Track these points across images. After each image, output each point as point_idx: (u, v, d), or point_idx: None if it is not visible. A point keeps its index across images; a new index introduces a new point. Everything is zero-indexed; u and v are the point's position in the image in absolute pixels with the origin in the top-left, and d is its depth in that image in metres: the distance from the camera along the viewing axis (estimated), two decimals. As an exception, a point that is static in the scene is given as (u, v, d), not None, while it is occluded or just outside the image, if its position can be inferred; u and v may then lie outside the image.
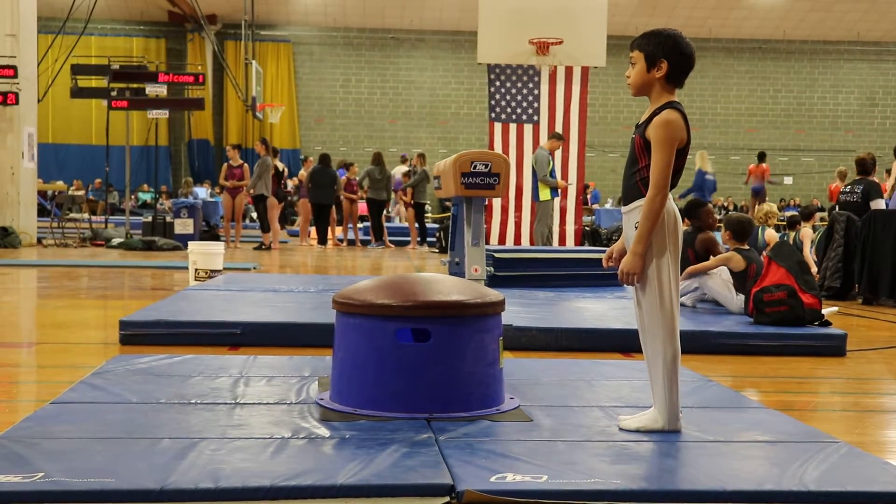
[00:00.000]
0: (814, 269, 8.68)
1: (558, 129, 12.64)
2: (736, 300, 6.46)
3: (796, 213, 12.20)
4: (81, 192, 20.19)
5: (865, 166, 9.02)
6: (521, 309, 6.19)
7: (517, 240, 12.82)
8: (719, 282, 6.58)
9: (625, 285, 3.18)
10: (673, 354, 3.13)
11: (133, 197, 24.43)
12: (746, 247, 6.75)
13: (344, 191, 16.62)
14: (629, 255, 3.12)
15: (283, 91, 30.92)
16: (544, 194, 11.97)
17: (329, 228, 16.61)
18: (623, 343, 5.27)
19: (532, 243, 12.68)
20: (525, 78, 12.63)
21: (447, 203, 17.81)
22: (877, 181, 9.33)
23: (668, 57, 3.12)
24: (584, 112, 12.88)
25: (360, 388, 3.38)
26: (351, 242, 16.98)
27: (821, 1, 29.79)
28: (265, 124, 27.81)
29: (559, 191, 12.30)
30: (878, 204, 8.68)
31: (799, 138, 32.18)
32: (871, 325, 7.12)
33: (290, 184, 19.42)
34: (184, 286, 8.13)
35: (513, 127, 12.69)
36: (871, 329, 6.87)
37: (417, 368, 3.32)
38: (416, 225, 16.57)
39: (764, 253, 6.49)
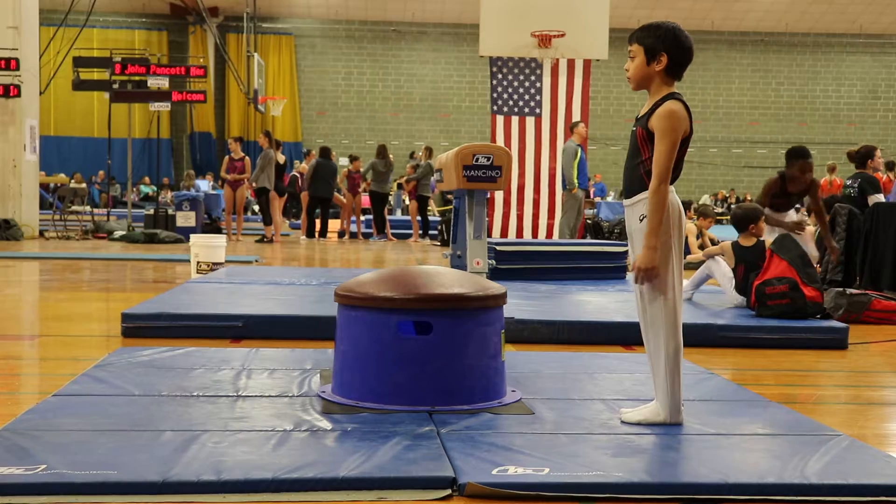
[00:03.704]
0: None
1: (560, 122, 12.63)
2: (731, 293, 6.43)
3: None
4: (84, 185, 20.18)
5: (856, 160, 8.98)
6: (523, 302, 6.19)
7: (519, 233, 12.81)
8: (725, 268, 6.57)
9: (642, 284, 3.12)
10: (675, 347, 3.13)
11: (135, 189, 24.43)
12: (752, 241, 6.57)
13: (347, 184, 16.63)
14: (644, 251, 3.08)
15: (285, 84, 30.91)
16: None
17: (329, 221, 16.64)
18: (625, 336, 5.27)
19: (542, 235, 12.69)
20: (527, 71, 12.60)
21: (449, 196, 17.81)
22: (877, 175, 9.28)
23: (669, 50, 3.11)
24: (587, 105, 12.85)
25: (362, 381, 3.38)
26: (353, 235, 16.98)
27: (824, -6, 29.78)
28: (267, 117, 27.80)
29: (587, 183, 12.50)
30: (876, 199, 8.64)
31: (801, 131, 32.13)
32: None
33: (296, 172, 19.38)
34: (186, 279, 8.13)
35: (515, 120, 12.66)
36: (873, 322, 6.85)
37: (419, 361, 3.33)
38: (419, 218, 16.56)
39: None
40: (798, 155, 7.34)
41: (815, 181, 7.43)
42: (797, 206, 7.92)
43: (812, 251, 7.36)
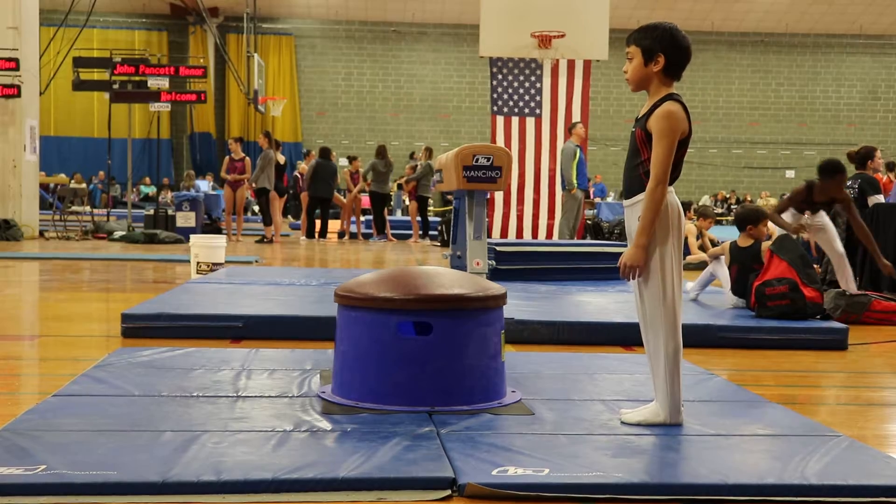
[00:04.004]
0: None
1: (560, 122, 12.64)
2: (728, 293, 6.43)
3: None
4: (83, 185, 20.20)
5: (856, 161, 8.97)
6: (523, 302, 6.19)
7: (519, 233, 12.82)
8: (727, 269, 6.57)
9: (626, 280, 3.18)
10: (675, 348, 3.13)
11: (135, 190, 24.44)
12: (749, 242, 6.55)
13: (349, 183, 16.65)
14: (631, 248, 3.11)
15: (286, 84, 30.91)
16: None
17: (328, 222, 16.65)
18: (624, 336, 5.27)
19: (547, 236, 12.71)
20: (527, 71, 12.61)
21: (449, 196, 17.78)
22: (877, 176, 9.27)
23: (666, 51, 3.12)
24: (587, 106, 12.85)
25: (362, 382, 3.38)
26: (353, 236, 16.99)
27: (824, -6, 29.79)
28: (267, 117, 27.80)
29: (587, 184, 12.56)
30: (876, 199, 8.63)
31: (801, 132, 32.14)
32: (873, 318, 7.10)
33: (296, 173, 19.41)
34: (186, 279, 8.13)
35: (515, 120, 12.67)
36: (873, 323, 6.85)
37: (419, 361, 3.32)
38: (419, 218, 16.56)
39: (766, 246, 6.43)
40: (835, 170, 7.23)
41: (848, 196, 7.37)
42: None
43: (838, 248, 7.37)
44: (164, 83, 15.91)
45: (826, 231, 7.43)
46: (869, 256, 8.22)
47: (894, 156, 24.32)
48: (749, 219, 6.49)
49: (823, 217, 7.51)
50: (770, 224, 7.74)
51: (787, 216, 7.37)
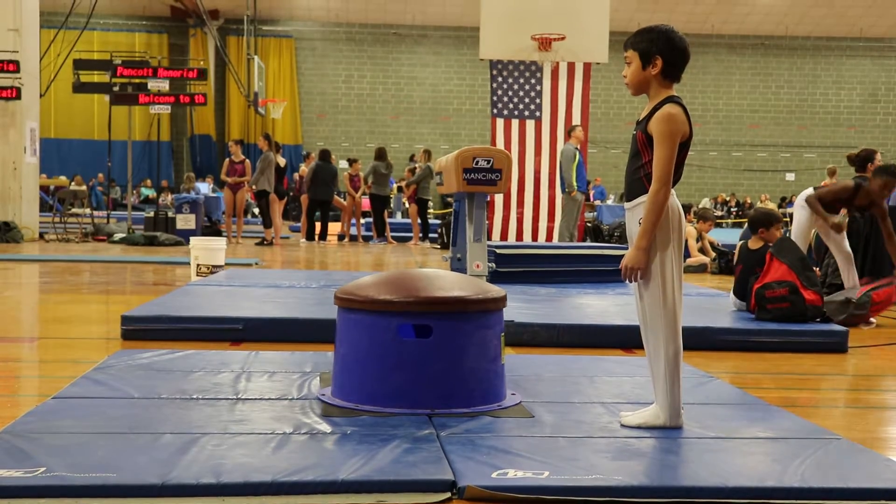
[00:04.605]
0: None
1: (560, 125, 12.66)
2: (731, 295, 6.43)
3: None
4: (83, 188, 20.19)
5: (856, 163, 8.98)
6: (523, 305, 6.19)
7: (519, 236, 12.82)
8: None
9: (627, 282, 3.18)
10: (675, 350, 3.13)
11: (135, 192, 24.44)
12: (759, 244, 6.52)
13: (349, 186, 16.65)
14: (632, 250, 3.11)
15: (286, 86, 30.93)
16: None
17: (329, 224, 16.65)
18: (624, 339, 5.27)
19: (548, 239, 12.71)
20: (527, 74, 12.62)
21: (449, 199, 17.78)
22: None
23: (662, 53, 3.12)
24: (587, 108, 12.87)
25: (362, 384, 3.38)
26: (353, 238, 16.99)
27: (824, -3, 29.82)
28: (267, 120, 27.82)
29: (586, 186, 12.59)
30: None
31: (801, 135, 32.15)
32: (873, 321, 7.10)
33: (297, 175, 19.37)
34: (186, 281, 8.13)
35: (515, 123, 12.68)
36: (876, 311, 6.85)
37: (419, 364, 3.32)
38: (419, 221, 16.56)
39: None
40: (891, 174, 7.19)
41: (885, 207, 7.33)
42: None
43: (846, 248, 7.41)
44: (164, 85, 15.92)
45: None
46: (869, 258, 8.24)
47: (894, 158, 24.33)
48: (762, 222, 6.48)
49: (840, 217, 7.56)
50: None
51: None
